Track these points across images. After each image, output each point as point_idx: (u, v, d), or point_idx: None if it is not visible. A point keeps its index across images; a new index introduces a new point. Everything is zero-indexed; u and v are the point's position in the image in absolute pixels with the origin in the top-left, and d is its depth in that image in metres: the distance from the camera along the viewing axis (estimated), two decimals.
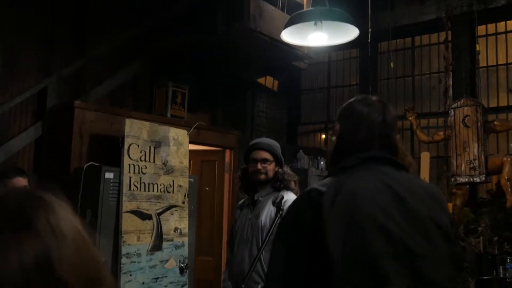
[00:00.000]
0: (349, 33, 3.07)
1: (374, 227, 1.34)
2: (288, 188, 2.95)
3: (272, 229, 2.59)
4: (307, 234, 1.37)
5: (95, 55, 4.46)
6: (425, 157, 5.30)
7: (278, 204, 2.67)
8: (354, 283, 1.31)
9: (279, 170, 2.95)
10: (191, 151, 4.75)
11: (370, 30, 3.41)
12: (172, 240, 4.25)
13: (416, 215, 1.40)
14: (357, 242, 1.33)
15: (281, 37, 3.01)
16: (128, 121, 3.94)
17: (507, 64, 5.91)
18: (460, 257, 1.45)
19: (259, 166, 2.91)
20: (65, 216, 0.58)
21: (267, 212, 2.86)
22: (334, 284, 1.31)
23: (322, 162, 6.65)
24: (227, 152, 5.68)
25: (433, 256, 1.37)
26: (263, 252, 2.84)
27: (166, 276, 4.17)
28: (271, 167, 2.93)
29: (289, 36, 3.06)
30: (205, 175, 5.67)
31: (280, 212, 2.62)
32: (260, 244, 2.82)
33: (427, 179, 5.16)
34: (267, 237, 2.59)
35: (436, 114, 6.14)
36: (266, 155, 2.93)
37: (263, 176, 2.93)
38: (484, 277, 4.50)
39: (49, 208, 0.57)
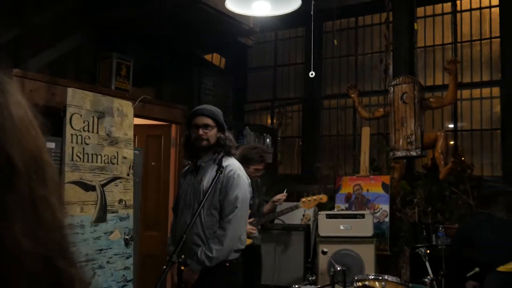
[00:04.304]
0: (292, 3, 3.13)
1: None
2: (230, 154, 2.99)
3: (210, 188, 2.64)
4: None
5: (36, 23, 4.31)
6: (366, 132, 5.51)
7: (219, 162, 2.72)
8: None
9: (221, 135, 2.99)
10: (136, 126, 4.70)
11: (313, 2, 3.50)
12: (117, 212, 4.23)
13: None
14: None
15: (225, 5, 3.04)
16: (70, 90, 3.87)
17: (443, 44, 6.21)
18: None
19: (201, 131, 2.94)
20: (19, 102, 0.59)
21: (209, 176, 2.91)
22: None
23: (268, 139, 6.76)
24: (173, 126, 5.65)
25: None
26: (205, 216, 2.89)
27: (110, 248, 4.15)
28: (212, 133, 2.96)
29: (233, 4, 3.10)
30: (150, 150, 5.63)
31: (221, 169, 2.67)
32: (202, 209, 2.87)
33: (367, 153, 5.38)
34: (206, 197, 2.64)
35: (377, 92, 6.37)
36: (207, 120, 2.96)
37: (204, 142, 2.96)
38: (419, 245, 4.75)
39: (6, 89, 0.58)
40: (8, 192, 0.54)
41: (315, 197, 4.50)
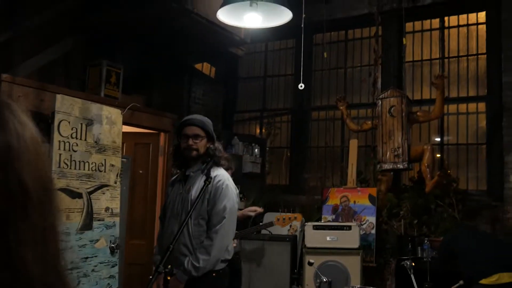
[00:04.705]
0: (283, 16, 3.17)
1: None
2: (219, 164, 3.01)
3: (198, 198, 2.64)
4: None
5: (25, 28, 4.30)
6: (353, 144, 5.55)
7: (207, 172, 2.73)
8: None
9: (211, 146, 3.00)
10: (124, 133, 4.70)
11: (304, 16, 3.54)
12: (103, 220, 4.20)
13: None
14: None
15: (217, 16, 3.06)
16: (59, 97, 3.86)
17: (430, 59, 6.29)
18: None
19: (191, 141, 2.95)
20: (28, 124, 0.60)
21: (198, 186, 2.91)
22: None
23: (256, 149, 6.78)
24: (162, 135, 5.66)
25: None
26: (192, 226, 2.89)
27: (96, 256, 4.12)
28: (202, 143, 2.97)
29: (225, 16, 3.13)
30: (138, 158, 5.62)
31: (209, 180, 2.68)
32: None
33: (354, 165, 5.41)
34: (193, 207, 2.65)
35: (365, 105, 6.43)
36: (197, 130, 2.97)
37: (194, 153, 2.97)
38: (404, 257, 4.78)
39: (15, 112, 0.59)
40: (22, 218, 0.54)
41: (289, 216, 4.54)
